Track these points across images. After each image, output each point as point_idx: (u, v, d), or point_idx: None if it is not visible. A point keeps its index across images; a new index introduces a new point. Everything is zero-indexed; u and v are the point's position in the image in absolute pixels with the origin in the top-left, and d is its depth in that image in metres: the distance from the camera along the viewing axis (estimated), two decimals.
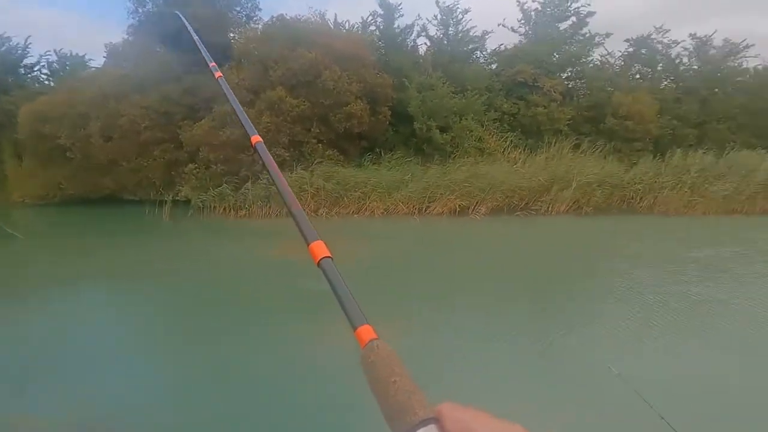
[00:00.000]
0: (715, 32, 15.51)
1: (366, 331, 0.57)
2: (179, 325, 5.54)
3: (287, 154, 11.72)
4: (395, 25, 15.17)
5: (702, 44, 15.72)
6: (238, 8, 15.70)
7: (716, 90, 15.03)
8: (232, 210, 11.83)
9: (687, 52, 15.97)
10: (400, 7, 14.94)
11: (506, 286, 6.93)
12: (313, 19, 15.04)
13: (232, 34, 14.96)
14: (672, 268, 7.74)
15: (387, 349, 0.54)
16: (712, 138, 14.33)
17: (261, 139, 1.08)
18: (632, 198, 12.94)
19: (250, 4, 15.69)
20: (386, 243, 9.80)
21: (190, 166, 12.42)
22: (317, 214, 11.69)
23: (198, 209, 12.16)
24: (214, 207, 12.08)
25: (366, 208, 11.85)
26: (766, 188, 12.36)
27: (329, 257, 0.70)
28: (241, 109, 1.22)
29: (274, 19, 14.33)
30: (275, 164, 0.98)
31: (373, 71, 13.48)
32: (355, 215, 11.81)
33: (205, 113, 12.39)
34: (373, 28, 15.51)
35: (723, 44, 15.53)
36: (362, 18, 15.49)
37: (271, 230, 10.69)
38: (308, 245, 0.73)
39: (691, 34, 15.79)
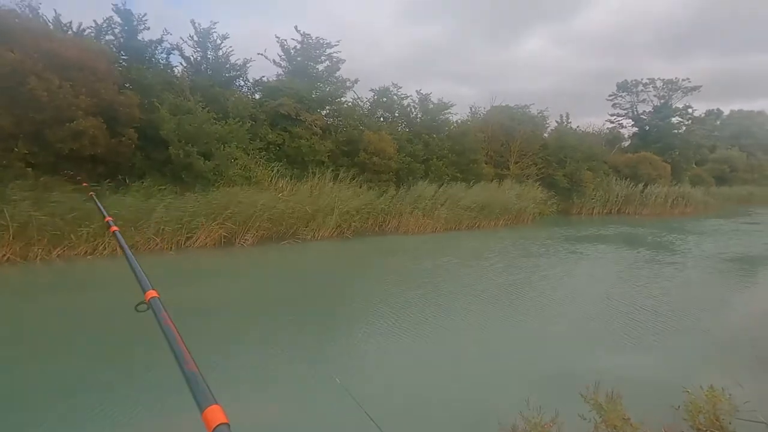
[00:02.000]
0: (431, 93, 20.16)
1: None
2: None
3: None
4: (139, 37, 13.46)
5: (424, 99, 20.07)
6: None
7: (434, 135, 19.32)
8: None
9: (414, 104, 20.09)
10: (144, 19, 13.38)
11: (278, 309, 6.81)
12: (20, 12, 11.82)
13: None
14: (416, 276, 9.29)
15: None
16: (434, 172, 18.27)
17: (157, 295, 1.19)
18: (383, 222, 15.12)
19: None
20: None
21: None
22: (26, 259, 8.92)
23: None
24: None
25: (104, 246, 9.76)
26: (467, 211, 16.60)
27: (226, 423, 0.70)
28: (136, 262, 1.48)
29: None
30: (171, 322, 1.01)
31: (112, 86, 11.52)
32: (89, 256, 9.56)
33: None
34: (111, 37, 13.34)
35: (438, 102, 20.25)
36: (95, 23, 13.12)
37: None
38: (201, 412, 0.71)
39: (417, 91, 20.02)
